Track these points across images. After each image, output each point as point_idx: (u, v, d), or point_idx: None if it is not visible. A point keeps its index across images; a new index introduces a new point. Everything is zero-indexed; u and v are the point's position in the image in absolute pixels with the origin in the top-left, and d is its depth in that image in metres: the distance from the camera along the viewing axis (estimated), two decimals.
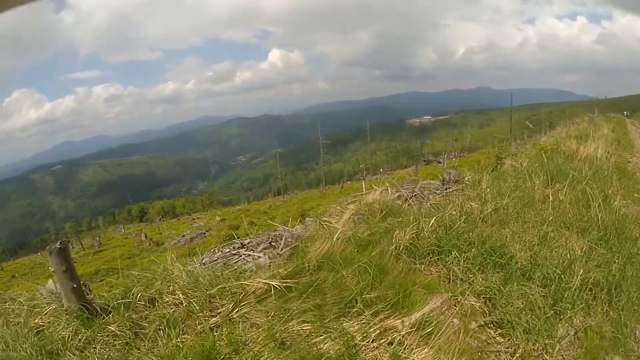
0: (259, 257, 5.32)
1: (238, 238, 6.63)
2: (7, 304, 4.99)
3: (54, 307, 4.51)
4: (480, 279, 4.14)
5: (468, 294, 3.99)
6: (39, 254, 44.91)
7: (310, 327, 3.43)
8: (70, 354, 3.80)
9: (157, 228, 48.29)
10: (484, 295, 4.01)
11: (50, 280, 5.95)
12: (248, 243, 6.14)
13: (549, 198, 6.10)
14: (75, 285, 4.24)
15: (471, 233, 4.87)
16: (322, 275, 4.16)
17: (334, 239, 4.82)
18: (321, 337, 3.27)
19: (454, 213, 5.46)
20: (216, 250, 6.44)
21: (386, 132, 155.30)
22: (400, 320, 3.34)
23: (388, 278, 4.00)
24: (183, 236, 33.38)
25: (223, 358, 3.32)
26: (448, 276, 4.34)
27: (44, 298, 4.90)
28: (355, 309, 3.53)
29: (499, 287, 3.99)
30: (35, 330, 4.29)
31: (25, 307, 4.75)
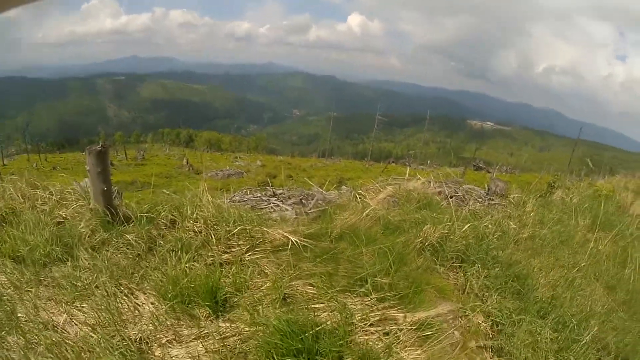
0: (287, 209, 5.34)
1: (272, 187, 6.68)
2: (38, 190, 5.31)
3: (81, 204, 4.75)
4: (495, 301, 3.97)
5: (478, 312, 3.84)
6: (84, 152, 47.48)
7: (315, 292, 3.41)
8: (84, 250, 3.97)
9: (200, 157, 49.53)
10: (493, 318, 3.85)
11: (87, 179, 6.28)
12: (280, 194, 6.18)
13: (588, 243, 5.77)
14: (105, 189, 4.38)
15: (501, 252, 4.68)
16: (342, 245, 4.10)
17: (364, 214, 4.74)
18: (322, 305, 3.25)
19: (490, 226, 5.27)
20: (248, 192, 6.52)
21: (444, 127, 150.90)
22: (403, 314, 3.27)
23: (405, 269, 3.89)
24: (222, 170, 33.83)
25: (225, 295, 3.37)
26: (464, 287, 4.20)
27: (74, 194, 5.15)
28: (362, 289, 3.47)
29: (511, 314, 3.82)
30: (57, 221, 4.54)
31: (54, 198, 5.07)
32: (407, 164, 42.76)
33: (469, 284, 4.20)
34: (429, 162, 43.66)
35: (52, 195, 5.22)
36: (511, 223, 5.81)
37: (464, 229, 4.76)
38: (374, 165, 43.40)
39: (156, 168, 36.11)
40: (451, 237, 4.66)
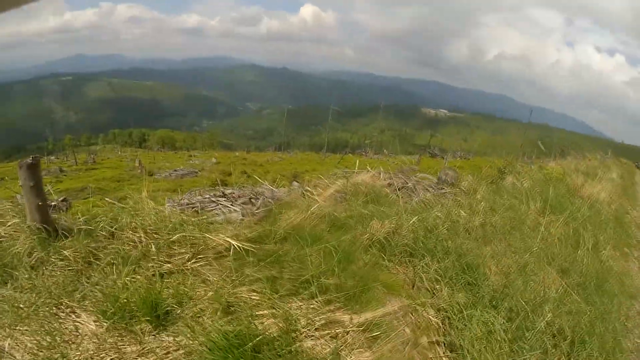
0: (235, 210, 5.16)
1: (224, 186, 6.48)
2: None
3: (17, 221, 4.37)
4: (446, 294, 3.95)
5: (428, 306, 3.81)
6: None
7: (258, 298, 3.28)
8: (24, 271, 3.71)
9: (153, 157, 47.82)
10: (444, 312, 3.81)
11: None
12: (230, 194, 5.98)
13: (539, 227, 5.90)
14: (40, 203, 4.11)
15: (451, 242, 4.68)
16: (286, 247, 3.97)
17: (309, 212, 4.61)
18: (266, 311, 3.13)
19: (440, 216, 5.28)
20: (197, 194, 6.30)
21: (399, 115, 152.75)
22: (349, 316, 3.20)
23: (352, 267, 3.79)
24: (175, 170, 32.84)
25: (166, 307, 3.20)
26: (414, 282, 4.15)
27: (10, 210, 4.74)
28: (307, 292, 3.36)
29: (462, 307, 3.78)
30: None
31: None
32: (363, 153, 43.01)
33: (418, 278, 4.15)
34: (385, 151, 44.03)
35: None
36: (462, 212, 5.84)
37: (412, 221, 4.71)
38: (331, 157, 43.32)
39: (108, 172, 34.58)
40: (399, 230, 4.61)
